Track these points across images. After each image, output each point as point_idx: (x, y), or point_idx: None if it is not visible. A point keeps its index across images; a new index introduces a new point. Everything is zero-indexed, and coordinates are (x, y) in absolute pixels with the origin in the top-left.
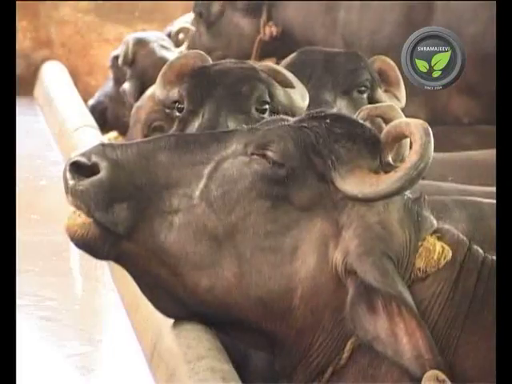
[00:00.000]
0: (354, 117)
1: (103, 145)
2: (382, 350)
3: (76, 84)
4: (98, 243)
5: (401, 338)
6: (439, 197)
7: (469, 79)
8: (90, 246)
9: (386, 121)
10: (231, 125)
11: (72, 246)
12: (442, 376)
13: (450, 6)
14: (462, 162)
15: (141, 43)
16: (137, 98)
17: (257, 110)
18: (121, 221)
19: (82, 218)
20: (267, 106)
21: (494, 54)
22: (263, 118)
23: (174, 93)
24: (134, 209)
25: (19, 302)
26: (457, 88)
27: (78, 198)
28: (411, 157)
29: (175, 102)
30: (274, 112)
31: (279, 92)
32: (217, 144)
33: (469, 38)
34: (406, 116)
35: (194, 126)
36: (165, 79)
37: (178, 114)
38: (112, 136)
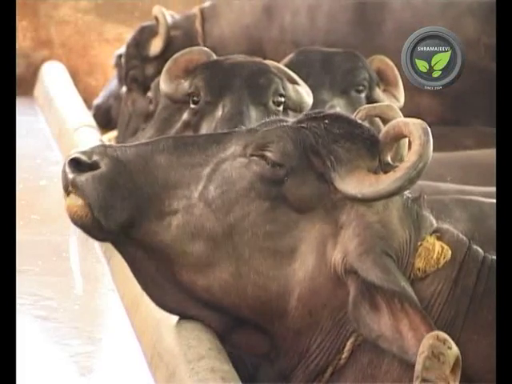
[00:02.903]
0: (353, 117)
1: (104, 145)
2: (387, 347)
3: (76, 84)
4: (96, 228)
5: (405, 333)
6: (440, 196)
7: None
8: (88, 228)
9: (385, 120)
10: (253, 115)
11: (72, 246)
12: (442, 335)
13: (412, 4)
14: (461, 161)
15: None
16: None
17: (273, 102)
18: (116, 222)
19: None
20: (283, 99)
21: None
22: (279, 110)
23: (185, 86)
24: (132, 208)
25: (19, 301)
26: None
27: (78, 188)
28: (410, 156)
29: (188, 94)
30: (284, 107)
31: (289, 87)
32: (215, 146)
33: None
34: None
35: (214, 117)
36: (170, 74)
37: (193, 106)
38: (113, 136)
